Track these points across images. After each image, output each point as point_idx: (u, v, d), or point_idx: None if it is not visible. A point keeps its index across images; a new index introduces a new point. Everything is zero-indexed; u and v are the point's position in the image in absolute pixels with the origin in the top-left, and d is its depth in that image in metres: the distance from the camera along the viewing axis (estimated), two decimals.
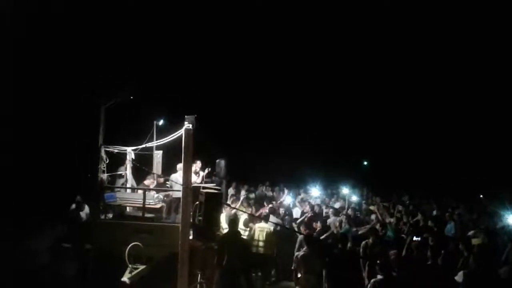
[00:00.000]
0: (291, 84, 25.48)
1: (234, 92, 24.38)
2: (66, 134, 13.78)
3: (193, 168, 12.66)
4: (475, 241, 8.96)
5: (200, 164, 12.93)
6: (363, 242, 8.31)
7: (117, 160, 11.49)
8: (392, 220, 10.94)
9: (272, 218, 10.74)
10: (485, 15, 22.56)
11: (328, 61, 25.79)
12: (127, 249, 8.78)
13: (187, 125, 9.64)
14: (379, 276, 6.28)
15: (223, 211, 10.37)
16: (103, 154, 10.32)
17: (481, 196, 16.64)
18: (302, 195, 15.30)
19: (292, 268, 8.12)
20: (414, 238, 7.70)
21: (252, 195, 15.23)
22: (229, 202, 12.10)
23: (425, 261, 6.90)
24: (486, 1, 22.28)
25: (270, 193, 16.93)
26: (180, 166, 10.55)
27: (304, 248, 7.60)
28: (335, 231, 9.78)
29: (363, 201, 15.08)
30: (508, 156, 22.27)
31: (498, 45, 23.21)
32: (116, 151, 10.76)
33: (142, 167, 11.32)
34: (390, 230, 9.91)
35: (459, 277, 6.77)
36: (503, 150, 22.99)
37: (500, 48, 23.26)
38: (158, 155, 12.86)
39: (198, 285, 8.78)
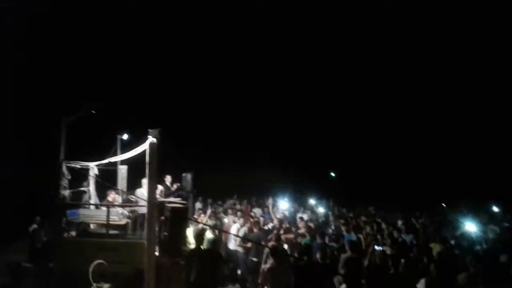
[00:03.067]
0: (256, 97, 25.61)
1: (198, 105, 24.34)
2: (25, 149, 13.38)
3: (166, 182, 12.61)
4: (436, 249, 9.23)
5: (170, 179, 12.86)
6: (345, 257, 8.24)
7: (80, 176, 11.27)
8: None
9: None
10: (473, 14, 23.02)
11: (292, 73, 26.12)
12: (91, 267, 8.60)
13: (151, 139, 9.62)
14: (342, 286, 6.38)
15: (190, 226, 10.34)
16: (64, 170, 10.11)
17: (443, 205, 17.14)
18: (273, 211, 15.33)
19: (259, 281, 8.12)
20: (376, 248, 7.85)
21: (220, 209, 15.20)
22: (196, 216, 12.04)
23: (386, 270, 7.06)
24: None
25: (238, 206, 16.91)
26: (145, 181, 10.44)
27: (270, 261, 7.62)
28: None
29: (330, 212, 15.26)
30: (468, 166, 23.05)
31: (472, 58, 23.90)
32: (78, 166, 10.54)
33: (105, 183, 11.12)
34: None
35: (420, 285, 6.96)
36: (464, 160, 23.79)
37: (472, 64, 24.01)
38: (122, 170, 12.67)
39: None
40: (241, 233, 11.31)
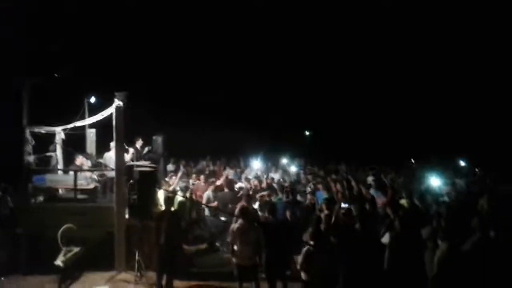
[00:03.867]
0: (230, 55, 25.14)
1: (168, 66, 23.76)
2: None
3: (137, 145, 12.44)
4: (402, 202, 9.46)
5: (141, 142, 12.69)
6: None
7: (47, 141, 11.02)
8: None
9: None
10: None
11: (270, 32, 25.62)
12: (60, 232, 8.56)
13: (117, 102, 9.40)
14: (310, 243, 6.49)
15: (161, 188, 10.32)
16: (28, 135, 9.84)
17: (412, 160, 17.51)
18: (246, 172, 15.40)
19: (228, 240, 8.22)
20: (342, 205, 7.99)
21: (192, 170, 15.21)
22: (167, 178, 11.99)
23: (352, 226, 7.20)
24: None
25: (211, 167, 16.95)
26: (113, 144, 10.30)
27: (239, 221, 7.69)
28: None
29: (301, 171, 15.41)
30: (437, 121, 23.47)
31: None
32: (43, 131, 10.28)
33: (69, 149, 10.91)
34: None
35: (385, 239, 7.16)
36: (434, 116, 24.18)
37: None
38: (91, 134, 12.45)
39: (136, 264, 8.71)
40: (207, 194, 11.35)
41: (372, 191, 11.05)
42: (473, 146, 19.19)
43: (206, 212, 11.41)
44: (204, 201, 11.21)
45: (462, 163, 16.83)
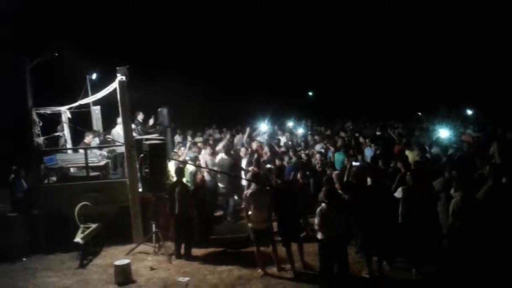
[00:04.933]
0: (230, 19, 24.65)
1: (171, 34, 23.35)
2: None
3: (138, 119, 12.40)
4: (412, 157, 9.47)
5: (143, 115, 12.66)
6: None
7: (54, 121, 11.01)
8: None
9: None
10: None
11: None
12: (76, 210, 8.68)
13: (120, 77, 9.34)
14: (323, 203, 6.54)
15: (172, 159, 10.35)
16: (35, 117, 9.83)
17: (419, 113, 17.37)
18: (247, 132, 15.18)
19: (242, 206, 8.30)
20: (353, 164, 8.00)
21: (200, 139, 15.21)
22: (175, 150, 12.02)
23: (364, 183, 7.23)
24: None
25: (217, 135, 16.98)
26: (120, 120, 10.29)
27: (252, 186, 7.74)
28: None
29: (309, 133, 15.38)
30: (444, 73, 23.12)
31: None
32: (49, 112, 10.26)
33: (77, 127, 10.91)
34: None
35: (398, 193, 7.20)
36: (440, 68, 23.79)
37: None
38: (96, 111, 12.42)
39: (153, 235, 8.87)
40: (204, 158, 11.17)
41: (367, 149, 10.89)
42: (480, 95, 18.98)
43: (206, 176, 11.21)
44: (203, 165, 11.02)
45: (470, 112, 16.69)
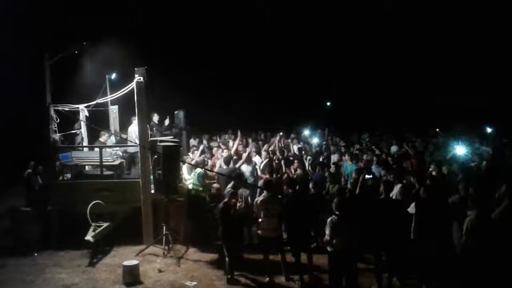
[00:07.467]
0: (248, 28, 24.74)
1: (189, 39, 23.52)
2: (10, 95, 12.98)
3: (154, 120, 12.45)
4: (429, 171, 9.33)
5: (158, 117, 12.72)
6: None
7: (72, 118, 11.13)
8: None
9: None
10: None
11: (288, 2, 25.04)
12: (88, 208, 8.75)
13: (137, 77, 9.43)
14: (334, 215, 6.47)
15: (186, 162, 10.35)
16: (52, 113, 9.96)
17: (437, 129, 17.13)
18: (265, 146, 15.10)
19: (254, 214, 8.27)
20: (366, 176, 7.91)
21: (215, 144, 15.19)
22: (190, 153, 12.04)
23: (377, 196, 7.14)
24: None
25: (231, 141, 16.91)
26: (134, 118, 10.37)
27: (263, 193, 7.72)
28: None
29: (324, 143, 15.24)
30: (461, 88, 22.78)
31: None
32: (67, 109, 10.38)
33: (94, 125, 11.01)
34: None
35: (411, 209, 7.09)
36: (456, 83, 23.47)
37: None
38: (114, 110, 12.54)
39: (164, 237, 8.88)
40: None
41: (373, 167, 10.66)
42: (499, 114, 18.65)
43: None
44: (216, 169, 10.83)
45: (489, 130, 16.41)
